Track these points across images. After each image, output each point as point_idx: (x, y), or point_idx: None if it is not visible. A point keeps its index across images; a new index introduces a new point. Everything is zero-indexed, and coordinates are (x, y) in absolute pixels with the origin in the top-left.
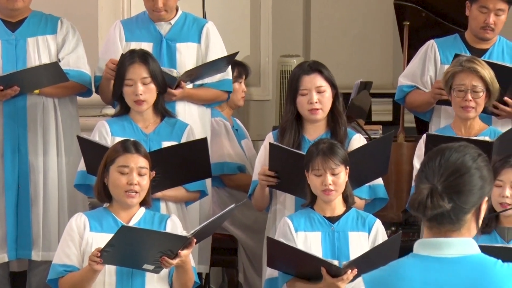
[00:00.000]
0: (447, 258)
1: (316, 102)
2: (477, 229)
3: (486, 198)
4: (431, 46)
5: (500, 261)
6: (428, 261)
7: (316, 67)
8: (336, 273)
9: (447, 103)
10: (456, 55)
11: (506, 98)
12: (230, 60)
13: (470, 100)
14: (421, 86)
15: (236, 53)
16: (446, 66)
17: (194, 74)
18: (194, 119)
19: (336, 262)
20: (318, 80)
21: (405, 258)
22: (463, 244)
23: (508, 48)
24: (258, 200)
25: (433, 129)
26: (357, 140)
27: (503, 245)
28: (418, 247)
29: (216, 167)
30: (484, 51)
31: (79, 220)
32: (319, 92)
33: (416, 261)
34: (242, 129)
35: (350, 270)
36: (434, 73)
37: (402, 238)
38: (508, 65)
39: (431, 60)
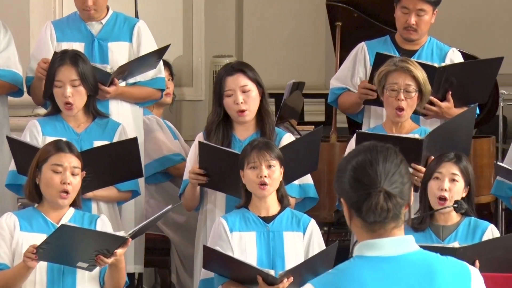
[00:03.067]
0: (393, 257)
1: (242, 103)
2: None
3: (412, 189)
4: (361, 49)
5: (438, 254)
6: (375, 261)
7: (239, 67)
8: (272, 282)
9: (374, 103)
10: (378, 54)
11: (432, 98)
12: (161, 54)
13: (403, 100)
14: (351, 88)
15: (167, 47)
16: None
17: (126, 70)
18: (127, 118)
19: (272, 272)
20: (242, 80)
21: (352, 261)
22: (404, 242)
23: (437, 49)
24: (188, 199)
25: (363, 130)
26: (287, 139)
27: (440, 245)
28: (363, 248)
29: (158, 163)
30: (413, 52)
31: (9, 220)
32: (244, 91)
33: (364, 263)
34: (173, 130)
35: (286, 279)
36: (364, 75)
37: (335, 238)
38: (429, 62)
39: (361, 62)
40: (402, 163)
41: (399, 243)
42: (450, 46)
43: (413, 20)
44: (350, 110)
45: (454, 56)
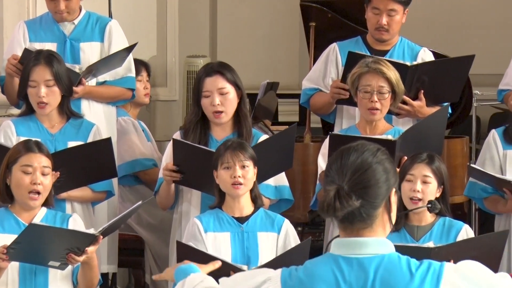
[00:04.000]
0: (360, 258)
1: (218, 104)
2: (390, 222)
3: (394, 190)
4: (333, 49)
5: (414, 260)
6: (342, 261)
7: (218, 69)
8: None
9: (347, 103)
10: (350, 54)
11: (404, 97)
12: (128, 51)
13: (376, 101)
14: (323, 88)
15: (135, 45)
16: None
17: (94, 69)
18: (99, 118)
19: (245, 268)
20: (220, 82)
21: (321, 258)
22: (378, 244)
23: (408, 49)
24: (163, 197)
25: (336, 131)
26: None
27: (415, 245)
28: (334, 247)
29: (129, 165)
30: (385, 53)
31: None
32: (221, 94)
33: (330, 261)
34: (147, 131)
35: None
36: (336, 75)
37: (306, 239)
38: (401, 61)
39: (333, 63)
40: (382, 163)
41: (372, 244)
42: (421, 46)
43: (384, 20)
44: (322, 111)
45: (426, 56)
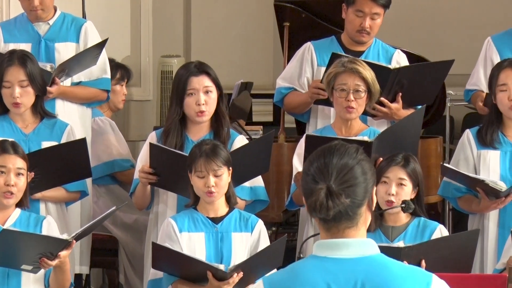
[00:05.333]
0: (346, 259)
1: (203, 104)
2: (372, 218)
3: (375, 188)
4: (308, 48)
5: (400, 262)
6: (327, 262)
7: (204, 69)
8: (222, 277)
9: (324, 103)
10: (333, 54)
11: (382, 99)
12: (100, 48)
13: (352, 100)
14: (298, 87)
15: (106, 40)
16: (323, 68)
17: (66, 68)
18: (73, 119)
19: (222, 267)
20: (206, 81)
21: (305, 260)
22: (363, 245)
23: (383, 50)
24: (139, 198)
25: (310, 130)
26: (240, 141)
27: (385, 245)
28: (317, 248)
29: (106, 166)
30: (360, 53)
31: None
32: (206, 92)
33: (316, 263)
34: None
35: (236, 274)
36: (311, 74)
37: (282, 237)
38: (383, 64)
39: (308, 62)
40: (361, 163)
41: (356, 245)
42: (396, 47)
43: (367, 23)
44: (297, 110)
45: (400, 58)
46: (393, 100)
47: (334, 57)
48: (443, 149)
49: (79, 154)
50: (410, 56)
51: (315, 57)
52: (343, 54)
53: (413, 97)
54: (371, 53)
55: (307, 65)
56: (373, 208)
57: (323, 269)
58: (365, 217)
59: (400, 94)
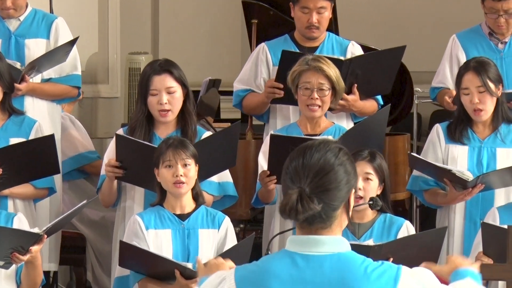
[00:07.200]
0: (315, 256)
1: (165, 103)
2: (348, 220)
3: (353, 190)
4: (262, 49)
5: (369, 260)
6: (297, 258)
7: (167, 68)
8: (190, 275)
9: (282, 101)
10: (284, 52)
11: None
12: (71, 45)
13: (317, 99)
14: (255, 89)
15: (76, 39)
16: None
17: (37, 65)
18: (43, 115)
19: (190, 265)
20: (168, 81)
21: (276, 254)
22: (335, 242)
23: (337, 44)
24: (106, 194)
25: (270, 131)
26: None
27: (355, 243)
28: (290, 243)
29: (73, 160)
30: (314, 49)
31: None
32: (169, 92)
33: (285, 258)
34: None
35: None
36: (267, 75)
37: (250, 235)
38: (335, 56)
39: (263, 63)
40: (343, 164)
41: (327, 243)
42: (349, 40)
43: (315, 18)
44: (256, 111)
45: (354, 49)
46: (349, 91)
47: (285, 55)
48: (410, 146)
49: (47, 151)
50: (364, 49)
51: (270, 57)
52: (295, 51)
53: (370, 87)
54: (325, 48)
55: (262, 66)
56: (350, 211)
57: (290, 264)
58: (340, 220)
59: (356, 85)
